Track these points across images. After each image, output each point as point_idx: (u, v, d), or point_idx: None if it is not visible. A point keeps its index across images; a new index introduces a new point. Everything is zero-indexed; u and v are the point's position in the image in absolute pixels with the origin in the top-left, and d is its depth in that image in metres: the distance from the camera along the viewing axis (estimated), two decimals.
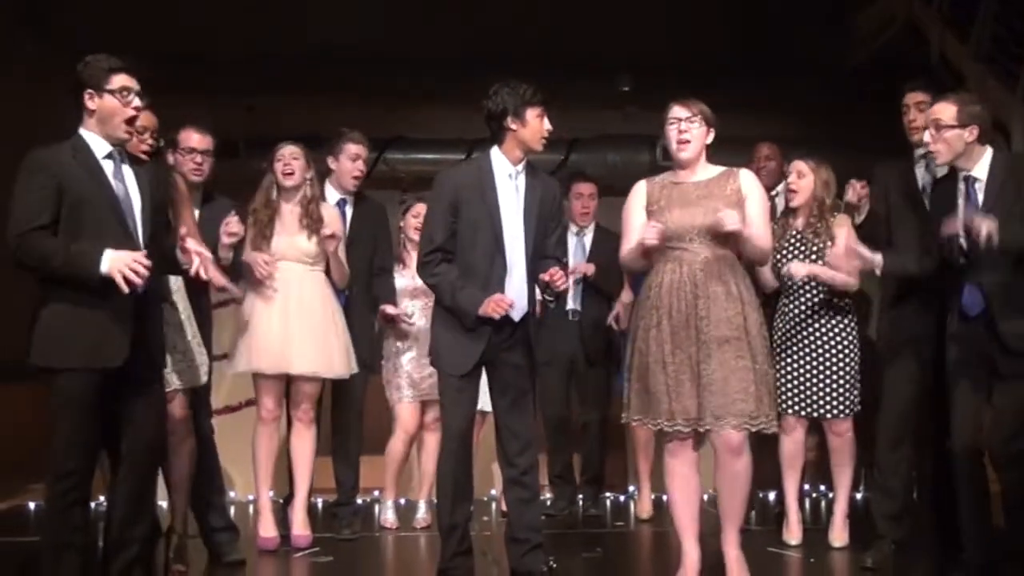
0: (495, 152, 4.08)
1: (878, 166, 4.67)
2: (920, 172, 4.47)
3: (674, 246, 3.91)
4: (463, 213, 4.02)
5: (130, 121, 3.64)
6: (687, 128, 3.93)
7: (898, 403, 4.41)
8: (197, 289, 4.33)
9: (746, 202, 3.93)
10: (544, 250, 4.11)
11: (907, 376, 4.39)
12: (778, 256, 4.73)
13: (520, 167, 4.07)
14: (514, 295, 4.01)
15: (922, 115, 4.43)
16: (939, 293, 4.10)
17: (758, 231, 3.93)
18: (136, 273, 3.44)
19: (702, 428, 3.83)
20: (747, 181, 3.98)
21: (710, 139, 3.99)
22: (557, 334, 5.62)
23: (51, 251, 3.49)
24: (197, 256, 3.70)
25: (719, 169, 4.01)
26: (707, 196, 3.92)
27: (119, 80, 3.62)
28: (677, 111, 3.95)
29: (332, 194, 5.18)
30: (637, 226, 4.00)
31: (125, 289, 3.45)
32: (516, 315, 4.02)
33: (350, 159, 5.13)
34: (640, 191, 4.06)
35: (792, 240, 4.77)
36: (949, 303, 3.98)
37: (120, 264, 3.45)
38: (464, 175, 4.11)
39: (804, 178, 4.78)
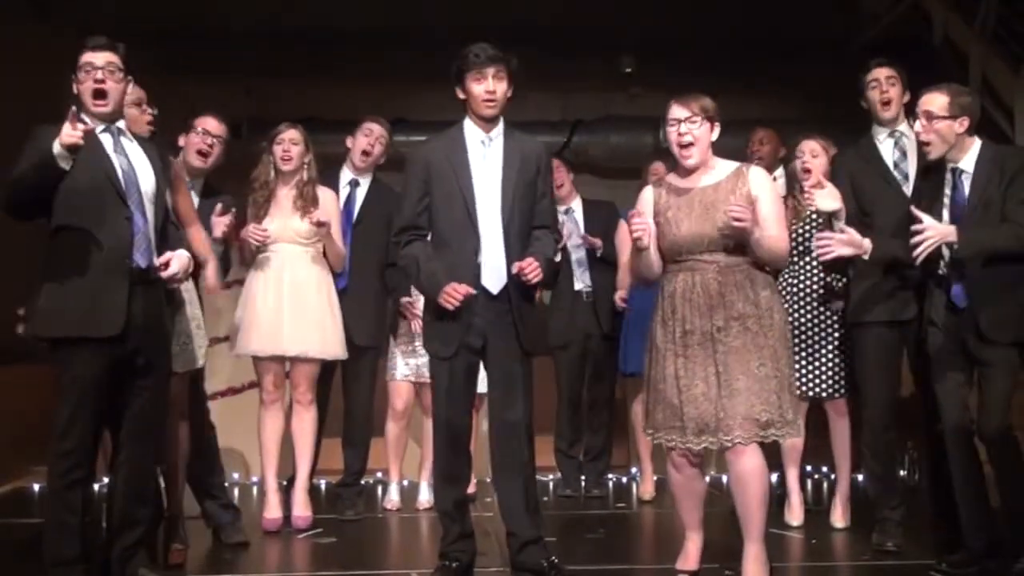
0: (466, 121, 3.95)
1: (838, 156, 4.64)
2: (888, 148, 4.46)
3: (685, 258, 3.72)
4: (435, 186, 3.88)
5: (96, 94, 3.62)
6: (687, 130, 3.69)
7: (883, 389, 4.41)
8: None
9: (758, 203, 3.67)
10: (533, 218, 3.92)
11: (890, 362, 4.40)
12: (793, 237, 4.68)
13: (494, 132, 3.91)
14: (490, 268, 3.85)
15: (894, 88, 4.45)
16: (916, 279, 4.11)
17: (771, 232, 3.67)
18: (78, 134, 3.41)
19: (727, 442, 3.60)
20: (757, 181, 3.74)
21: (715, 135, 3.73)
22: (572, 316, 5.62)
23: (20, 172, 3.50)
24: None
25: (728, 168, 3.78)
26: (715, 204, 3.70)
27: (83, 58, 3.65)
28: (675, 111, 3.71)
29: (346, 175, 5.23)
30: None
31: (75, 135, 3.39)
32: (494, 288, 3.85)
33: (363, 135, 5.18)
34: (646, 200, 3.85)
35: (810, 220, 4.75)
36: (931, 293, 3.99)
37: (64, 131, 3.40)
38: (434, 147, 3.97)
39: (818, 158, 4.76)
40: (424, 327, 4.04)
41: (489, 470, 5.84)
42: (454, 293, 3.76)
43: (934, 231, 3.78)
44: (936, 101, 3.89)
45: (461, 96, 3.90)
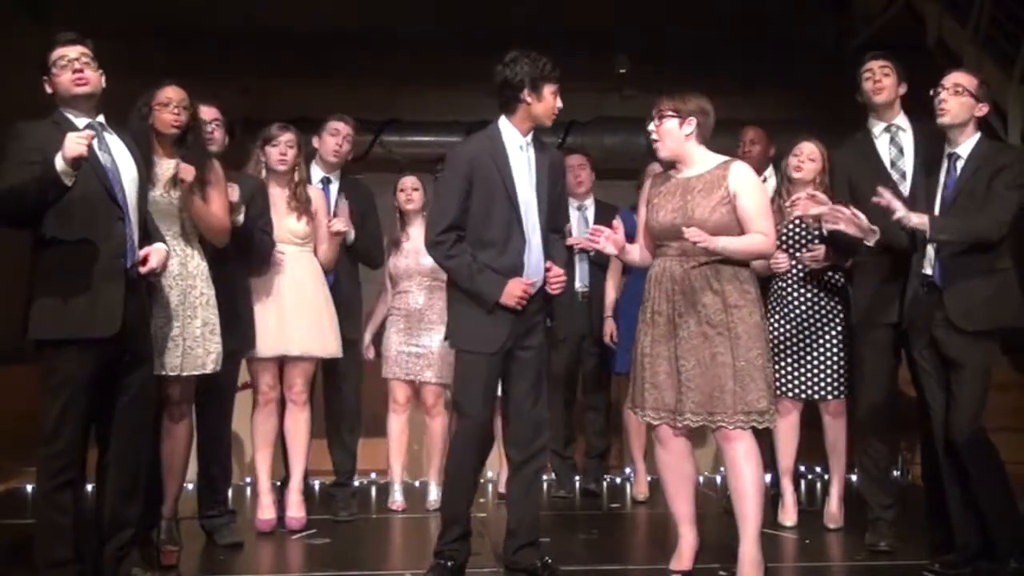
0: (504, 122, 3.98)
1: (835, 153, 4.64)
2: (884, 145, 4.46)
3: (661, 242, 3.87)
4: (477, 185, 3.91)
5: (76, 83, 3.59)
6: (655, 128, 3.86)
7: (879, 391, 4.42)
8: (233, 268, 4.44)
9: (737, 199, 3.76)
10: (552, 223, 4.05)
11: (886, 363, 4.41)
12: (779, 242, 4.68)
13: (529, 138, 3.99)
14: (532, 267, 3.95)
15: (888, 78, 4.45)
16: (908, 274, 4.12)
17: (757, 227, 3.76)
18: (84, 140, 3.41)
19: (680, 423, 3.76)
20: (737, 176, 3.78)
21: (689, 129, 3.81)
22: (568, 314, 5.62)
23: (20, 186, 3.45)
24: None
25: (715, 161, 3.86)
26: (692, 194, 3.80)
27: (55, 53, 3.62)
28: (652, 112, 3.89)
29: (316, 173, 5.24)
30: (642, 222, 4.01)
31: (81, 144, 3.38)
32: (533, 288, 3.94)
33: (330, 135, 5.18)
34: (645, 188, 4.01)
35: (793, 226, 4.76)
36: (912, 293, 4.01)
37: (68, 144, 3.39)
38: (477, 147, 3.99)
39: (815, 162, 4.75)
40: (460, 323, 3.98)
41: (482, 471, 5.87)
42: (526, 289, 3.88)
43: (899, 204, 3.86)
44: (967, 79, 3.99)
45: (527, 100, 3.91)
